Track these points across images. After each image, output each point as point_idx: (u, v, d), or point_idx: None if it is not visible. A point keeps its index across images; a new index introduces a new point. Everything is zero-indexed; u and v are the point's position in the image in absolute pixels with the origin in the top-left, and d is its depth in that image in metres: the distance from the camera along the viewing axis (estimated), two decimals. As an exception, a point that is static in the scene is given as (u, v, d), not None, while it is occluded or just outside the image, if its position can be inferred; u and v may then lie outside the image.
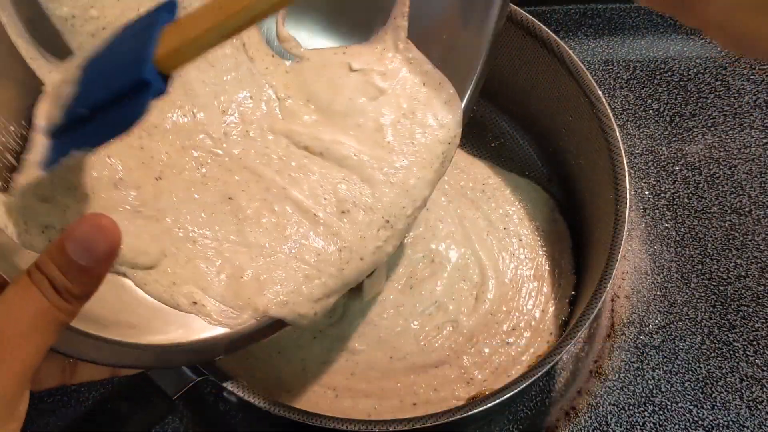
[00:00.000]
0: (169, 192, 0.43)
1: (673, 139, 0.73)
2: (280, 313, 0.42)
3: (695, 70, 0.76)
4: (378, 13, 0.50)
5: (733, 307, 0.64)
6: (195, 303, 0.41)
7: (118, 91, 0.31)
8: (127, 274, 0.40)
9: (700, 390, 0.61)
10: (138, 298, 0.41)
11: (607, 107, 0.56)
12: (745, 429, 0.59)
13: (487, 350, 0.59)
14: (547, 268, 0.63)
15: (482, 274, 0.62)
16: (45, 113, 0.38)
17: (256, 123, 0.47)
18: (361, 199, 0.46)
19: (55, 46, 0.40)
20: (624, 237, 0.52)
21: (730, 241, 0.67)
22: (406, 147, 0.47)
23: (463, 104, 0.48)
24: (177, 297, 0.41)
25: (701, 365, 0.62)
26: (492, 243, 0.64)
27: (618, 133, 0.55)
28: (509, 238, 0.64)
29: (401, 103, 0.48)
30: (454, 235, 0.64)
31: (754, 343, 0.63)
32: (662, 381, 0.61)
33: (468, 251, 0.63)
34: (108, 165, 0.41)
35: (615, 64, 0.77)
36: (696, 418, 0.60)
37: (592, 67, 0.77)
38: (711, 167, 0.71)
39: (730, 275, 0.66)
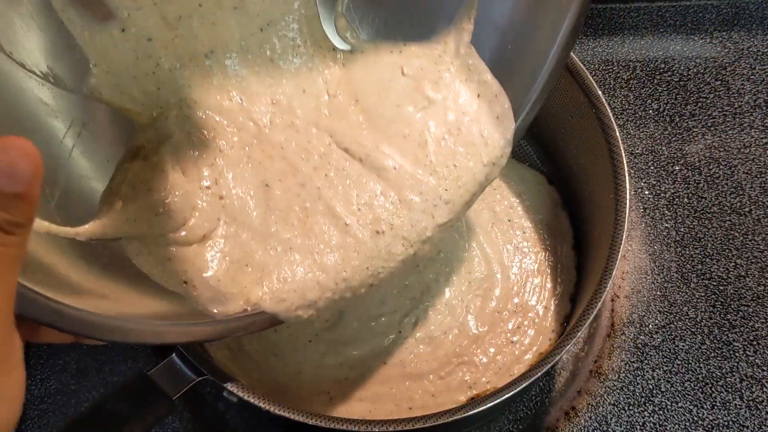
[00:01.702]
0: (219, 167, 0.42)
1: (673, 139, 0.73)
2: (273, 309, 0.41)
3: (695, 70, 0.76)
4: (443, 13, 0.47)
5: (733, 307, 0.64)
6: (185, 283, 0.40)
7: None
8: (122, 242, 0.39)
9: (700, 390, 0.61)
10: (122, 270, 0.39)
11: (607, 107, 0.56)
12: (745, 429, 0.59)
13: (492, 350, 0.59)
14: (550, 263, 0.63)
15: (488, 269, 0.62)
16: None
17: (302, 116, 0.45)
18: (398, 225, 0.44)
19: None
20: (624, 237, 0.51)
21: (730, 241, 0.67)
22: (447, 170, 0.45)
23: (516, 122, 0.45)
24: (168, 273, 0.40)
25: (701, 365, 0.62)
26: (497, 236, 0.64)
27: (618, 133, 0.55)
28: (513, 230, 0.64)
29: (448, 116, 0.46)
30: (459, 227, 0.64)
31: (754, 343, 0.63)
32: (662, 381, 0.61)
33: (473, 243, 0.63)
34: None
35: (615, 64, 0.77)
36: (696, 418, 0.60)
37: (592, 67, 0.77)
38: (711, 167, 0.71)
39: (730, 275, 0.66)
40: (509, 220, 0.65)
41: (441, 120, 0.46)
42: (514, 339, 0.59)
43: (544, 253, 0.63)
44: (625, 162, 0.54)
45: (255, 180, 0.43)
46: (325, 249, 0.43)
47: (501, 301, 0.61)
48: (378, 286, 0.44)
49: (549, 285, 0.62)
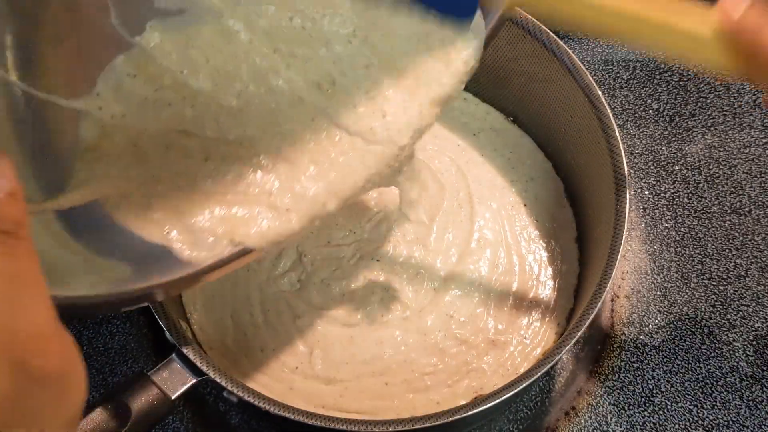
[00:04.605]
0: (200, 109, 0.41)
1: (673, 139, 0.73)
2: (257, 243, 0.38)
3: (695, 70, 0.76)
4: None
5: (733, 307, 0.64)
6: (166, 232, 0.37)
7: None
8: (99, 198, 0.37)
9: (700, 390, 0.61)
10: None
11: (607, 107, 0.56)
12: (745, 429, 0.59)
13: (506, 355, 0.57)
14: (558, 254, 0.62)
15: (509, 261, 0.61)
16: None
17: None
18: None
19: None
20: (624, 237, 0.51)
21: (730, 241, 0.67)
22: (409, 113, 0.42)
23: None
24: (148, 223, 0.37)
25: (701, 365, 0.62)
26: (515, 222, 0.63)
27: (618, 133, 0.55)
28: (529, 216, 0.64)
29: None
30: (490, 202, 0.64)
31: (754, 343, 0.63)
32: (662, 381, 0.61)
33: (499, 231, 0.62)
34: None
35: (615, 64, 0.77)
36: (696, 418, 0.60)
37: (592, 67, 0.77)
38: (711, 167, 0.71)
39: (730, 275, 0.66)
40: (525, 205, 0.64)
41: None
42: (527, 335, 0.58)
43: (552, 244, 0.63)
44: (625, 162, 0.54)
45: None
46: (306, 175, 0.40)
47: (518, 297, 0.60)
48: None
49: (558, 278, 0.61)
